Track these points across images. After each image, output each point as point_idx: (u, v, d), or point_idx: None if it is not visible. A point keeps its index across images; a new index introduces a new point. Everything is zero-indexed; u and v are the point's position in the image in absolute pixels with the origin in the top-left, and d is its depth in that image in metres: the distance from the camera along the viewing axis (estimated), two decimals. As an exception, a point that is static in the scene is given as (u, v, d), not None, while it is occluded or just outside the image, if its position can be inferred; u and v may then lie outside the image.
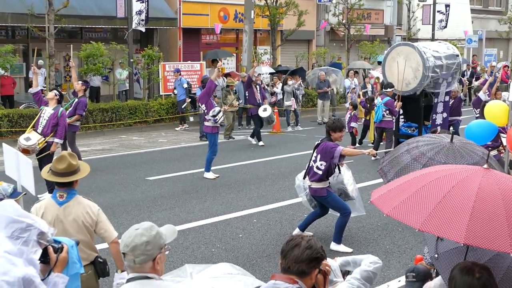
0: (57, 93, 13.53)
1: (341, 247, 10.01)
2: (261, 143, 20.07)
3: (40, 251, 4.15)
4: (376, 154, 10.57)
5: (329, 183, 10.20)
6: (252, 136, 20.54)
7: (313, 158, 10.12)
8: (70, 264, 4.44)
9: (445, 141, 6.39)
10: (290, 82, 25.18)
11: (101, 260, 6.12)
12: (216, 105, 15.31)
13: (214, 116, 14.91)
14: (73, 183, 6.04)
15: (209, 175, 15.14)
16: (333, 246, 10.05)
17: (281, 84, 25.76)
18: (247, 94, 21.17)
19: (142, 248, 3.85)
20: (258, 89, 21.04)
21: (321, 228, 11.11)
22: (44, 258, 4.24)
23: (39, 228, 4.11)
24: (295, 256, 4.08)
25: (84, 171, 6.11)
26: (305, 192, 10.59)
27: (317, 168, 10.02)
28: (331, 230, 10.58)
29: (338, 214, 10.30)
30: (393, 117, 17.37)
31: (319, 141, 10.21)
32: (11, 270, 3.95)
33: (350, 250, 9.96)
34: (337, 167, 10.20)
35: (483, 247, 4.04)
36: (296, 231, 10.50)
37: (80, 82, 16.01)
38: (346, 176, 10.57)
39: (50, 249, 4.29)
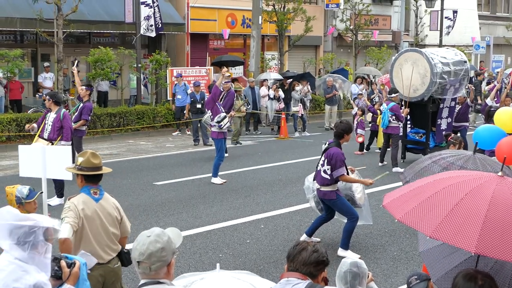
0: (49, 98, 13.59)
1: (349, 253, 9.97)
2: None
3: (50, 247, 4.14)
4: (373, 182, 10.52)
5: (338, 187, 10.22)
6: None
7: (321, 162, 10.17)
8: (81, 281, 4.49)
9: (468, 153, 6.68)
10: (297, 88, 25.18)
11: (126, 251, 6.50)
12: (222, 110, 15.31)
13: (218, 122, 14.92)
14: (101, 178, 6.41)
15: (217, 180, 15.15)
16: (341, 252, 10.03)
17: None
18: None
19: (158, 254, 3.87)
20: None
21: (329, 234, 11.11)
22: (57, 272, 4.27)
23: (42, 227, 4.08)
24: (303, 259, 4.27)
25: (107, 168, 6.53)
26: (313, 194, 10.60)
27: (324, 172, 10.05)
28: (339, 236, 10.58)
29: (345, 220, 10.33)
30: (400, 123, 17.35)
31: (327, 145, 10.22)
32: (22, 277, 3.94)
33: (357, 256, 9.95)
34: (346, 172, 10.19)
35: (494, 258, 4.01)
36: (304, 237, 10.50)
37: (84, 87, 16.04)
38: (355, 184, 10.55)
39: (63, 263, 4.34)
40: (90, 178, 6.29)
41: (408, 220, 4.28)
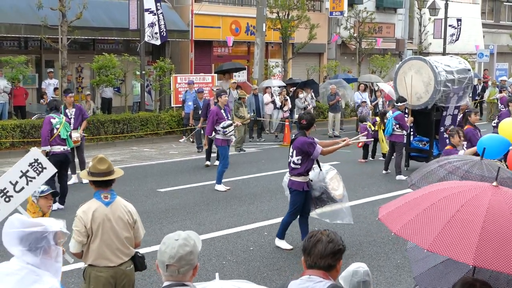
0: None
1: (283, 243, 10.69)
2: (208, 162, 18.51)
3: (61, 251, 4.15)
4: (349, 142, 10.87)
5: (310, 180, 10.51)
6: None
7: (290, 154, 10.44)
8: None
9: (475, 158, 6.79)
10: (301, 95, 25.19)
11: (140, 255, 6.72)
12: (229, 118, 15.35)
13: (224, 127, 14.95)
14: (112, 183, 6.53)
15: (220, 187, 15.15)
16: (277, 241, 10.77)
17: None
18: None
19: (187, 258, 3.91)
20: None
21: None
22: None
23: (52, 231, 4.09)
24: (319, 252, 4.15)
25: (119, 172, 6.65)
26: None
27: (294, 163, 10.35)
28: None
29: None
30: (404, 132, 17.28)
31: (294, 137, 10.54)
32: (36, 282, 3.95)
33: (290, 247, 10.61)
34: (317, 164, 10.53)
35: (492, 269, 3.99)
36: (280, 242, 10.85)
37: (69, 95, 15.95)
38: (329, 175, 10.78)
39: None
40: (99, 183, 6.47)
41: (405, 233, 4.27)
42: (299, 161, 10.26)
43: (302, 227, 10.83)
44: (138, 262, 6.65)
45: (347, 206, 11.02)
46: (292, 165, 10.38)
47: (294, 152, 10.29)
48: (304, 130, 10.42)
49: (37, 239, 4.03)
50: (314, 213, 11.11)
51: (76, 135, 15.52)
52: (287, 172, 10.89)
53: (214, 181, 15.36)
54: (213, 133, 15.48)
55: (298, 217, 10.81)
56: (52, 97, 23.47)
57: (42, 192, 7.38)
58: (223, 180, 15.30)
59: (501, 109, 22.63)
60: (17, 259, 4.04)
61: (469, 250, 3.92)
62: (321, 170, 10.64)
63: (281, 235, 10.74)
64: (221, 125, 15.00)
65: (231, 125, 15.09)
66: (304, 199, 10.54)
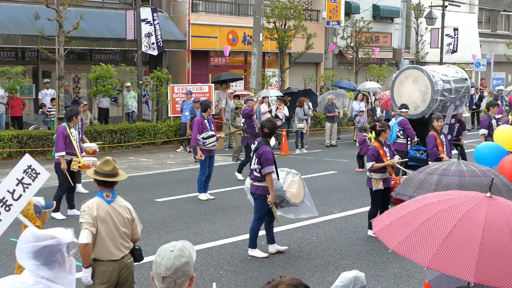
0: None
1: (257, 252, 10.75)
2: (240, 176, 18.13)
3: (74, 263, 4.11)
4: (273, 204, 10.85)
5: None
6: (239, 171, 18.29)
7: (253, 161, 10.66)
8: None
9: (452, 160, 7.16)
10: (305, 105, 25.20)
11: (137, 248, 7.17)
12: (212, 129, 15.23)
13: (204, 138, 14.90)
14: (115, 184, 7.00)
15: (202, 196, 15.21)
16: (250, 251, 10.80)
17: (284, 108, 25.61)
18: (243, 125, 19.53)
19: (184, 269, 3.83)
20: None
21: (330, 251, 11.07)
22: None
23: (65, 243, 4.04)
24: None
25: (124, 175, 7.13)
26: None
27: (255, 170, 10.58)
28: (340, 254, 10.56)
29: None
30: (407, 139, 17.03)
31: (257, 145, 10.70)
32: None
33: (265, 255, 10.71)
34: (276, 173, 10.64)
35: (493, 286, 3.96)
36: (271, 247, 10.95)
37: (81, 105, 16.22)
38: (286, 182, 10.94)
39: None
40: (102, 183, 6.92)
41: (402, 250, 4.23)
42: (259, 169, 10.50)
43: (267, 230, 11.07)
44: (137, 254, 7.12)
45: (308, 199, 11.28)
46: (254, 172, 10.60)
47: (256, 160, 10.52)
48: (266, 138, 10.71)
49: (51, 252, 3.97)
50: (279, 212, 11.21)
51: (92, 145, 15.73)
52: (248, 178, 11.13)
53: (212, 191, 15.35)
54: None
55: (265, 223, 10.98)
56: (49, 107, 23.58)
57: (46, 206, 7.50)
58: (220, 190, 15.31)
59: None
60: (30, 273, 3.95)
61: (469, 267, 3.89)
62: (278, 179, 10.77)
63: (253, 244, 10.82)
64: (202, 135, 14.95)
65: (212, 136, 15.04)
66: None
